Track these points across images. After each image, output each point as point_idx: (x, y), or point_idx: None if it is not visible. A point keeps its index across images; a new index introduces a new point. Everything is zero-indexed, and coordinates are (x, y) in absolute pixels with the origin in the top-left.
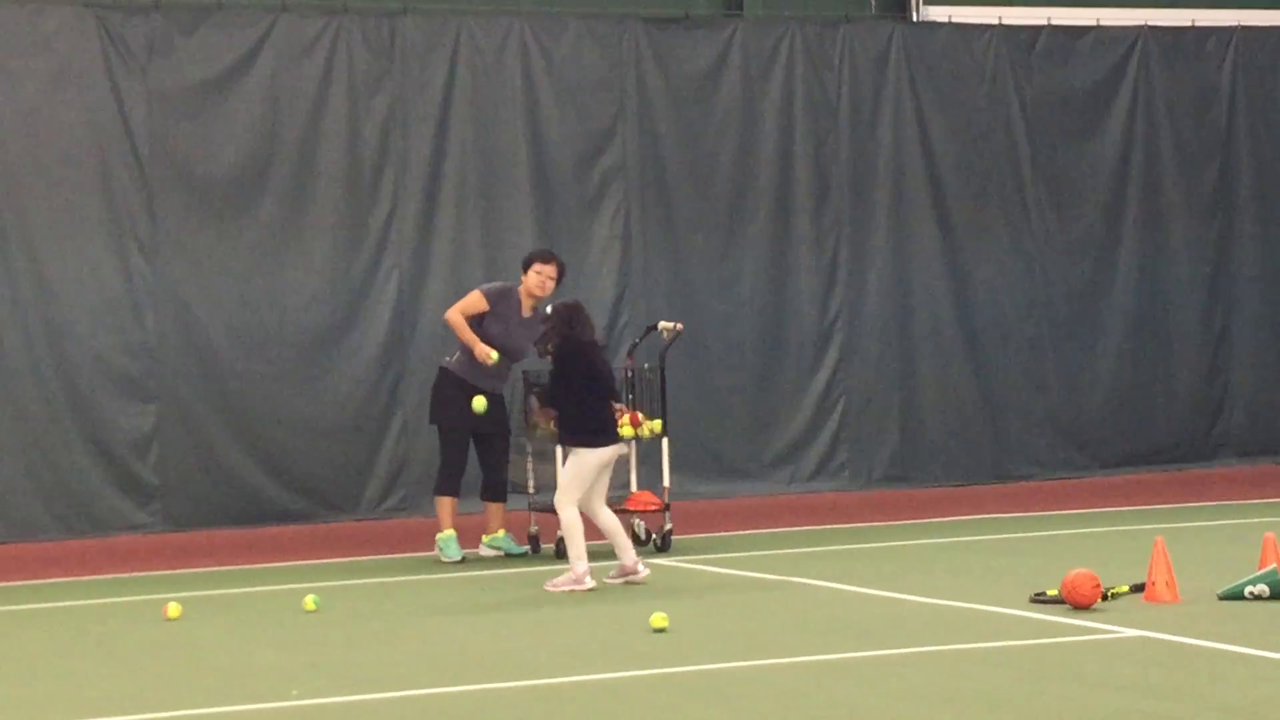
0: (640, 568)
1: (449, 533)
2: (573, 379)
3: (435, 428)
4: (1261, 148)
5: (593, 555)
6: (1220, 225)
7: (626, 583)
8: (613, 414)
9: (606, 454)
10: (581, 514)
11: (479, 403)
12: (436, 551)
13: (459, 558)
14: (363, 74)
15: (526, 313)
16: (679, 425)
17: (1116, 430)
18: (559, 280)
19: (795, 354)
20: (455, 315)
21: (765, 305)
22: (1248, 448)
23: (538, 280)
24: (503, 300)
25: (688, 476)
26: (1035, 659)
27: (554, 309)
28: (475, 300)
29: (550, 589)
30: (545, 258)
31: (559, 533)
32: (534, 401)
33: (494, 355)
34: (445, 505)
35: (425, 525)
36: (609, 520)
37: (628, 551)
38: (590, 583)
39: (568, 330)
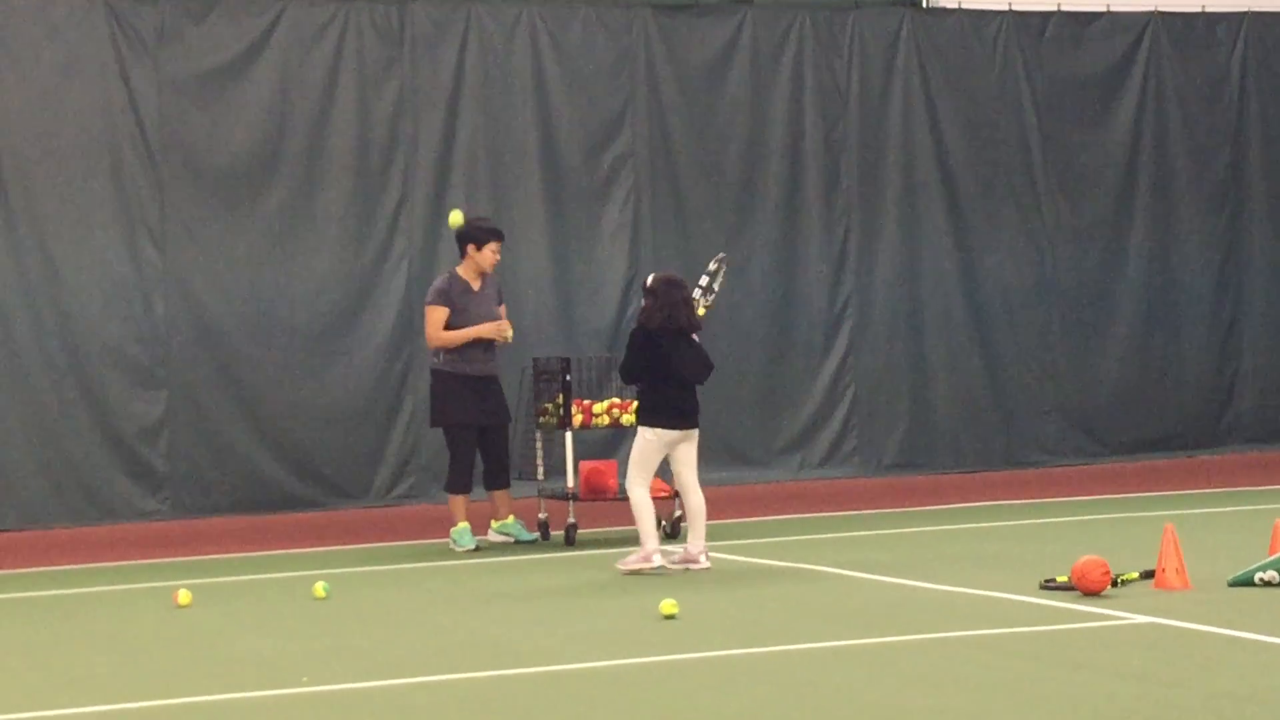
0: (702, 558)
1: (463, 525)
2: (649, 360)
3: (440, 429)
4: (1272, 134)
5: (608, 541)
6: (1230, 212)
7: (686, 569)
8: (689, 399)
9: (669, 434)
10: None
11: (455, 217)
12: (451, 544)
13: (473, 546)
14: (372, 61)
15: (477, 285)
16: None
17: (1126, 416)
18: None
19: (805, 340)
20: (437, 335)
21: (775, 292)
22: (1258, 434)
23: (493, 258)
24: (450, 292)
25: (697, 462)
26: (1045, 646)
27: (658, 285)
28: (438, 314)
29: (621, 568)
30: (499, 235)
31: (568, 519)
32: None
33: (509, 328)
34: (458, 502)
35: (435, 512)
36: (695, 502)
37: (699, 538)
38: (658, 560)
39: (664, 316)
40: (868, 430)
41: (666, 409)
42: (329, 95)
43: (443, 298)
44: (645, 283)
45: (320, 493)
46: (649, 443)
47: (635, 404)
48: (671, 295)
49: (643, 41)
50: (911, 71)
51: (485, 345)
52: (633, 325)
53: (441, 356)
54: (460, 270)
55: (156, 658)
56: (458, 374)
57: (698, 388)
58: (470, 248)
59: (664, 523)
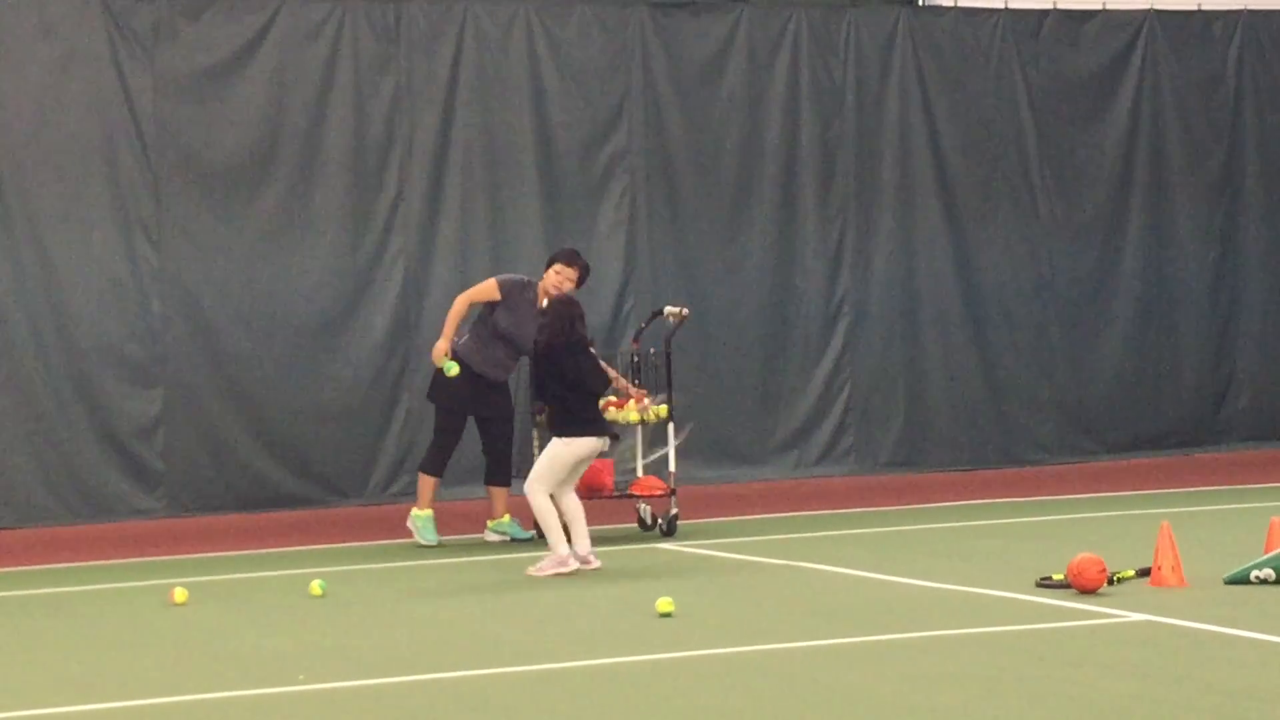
0: (592, 558)
1: (428, 512)
2: (554, 379)
3: (434, 406)
4: (1268, 131)
5: (611, 539)
6: (1227, 209)
7: (576, 570)
8: (597, 409)
9: (584, 445)
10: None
11: (451, 368)
12: (411, 528)
13: (435, 542)
14: (368, 59)
15: (542, 302)
16: (684, 410)
17: (1122, 414)
18: (580, 284)
19: (801, 338)
20: (460, 301)
21: (771, 290)
22: (1254, 432)
23: (555, 280)
24: (518, 292)
25: (693, 461)
26: (1041, 643)
27: (553, 305)
28: (488, 288)
29: (535, 574)
30: (569, 260)
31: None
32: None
33: (449, 365)
34: (428, 484)
35: None
36: (573, 505)
37: (584, 540)
38: (574, 564)
39: (570, 331)
40: (864, 428)
41: (582, 419)
42: (325, 93)
43: (504, 286)
44: (540, 306)
45: (316, 490)
46: (561, 453)
47: (606, 405)
48: (570, 311)
49: (639, 39)
50: (907, 69)
51: (510, 355)
52: (630, 325)
53: (463, 340)
54: (541, 282)
55: (152, 656)
56: (469, 365)
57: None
58: (558, 265)
59: (660, 521)
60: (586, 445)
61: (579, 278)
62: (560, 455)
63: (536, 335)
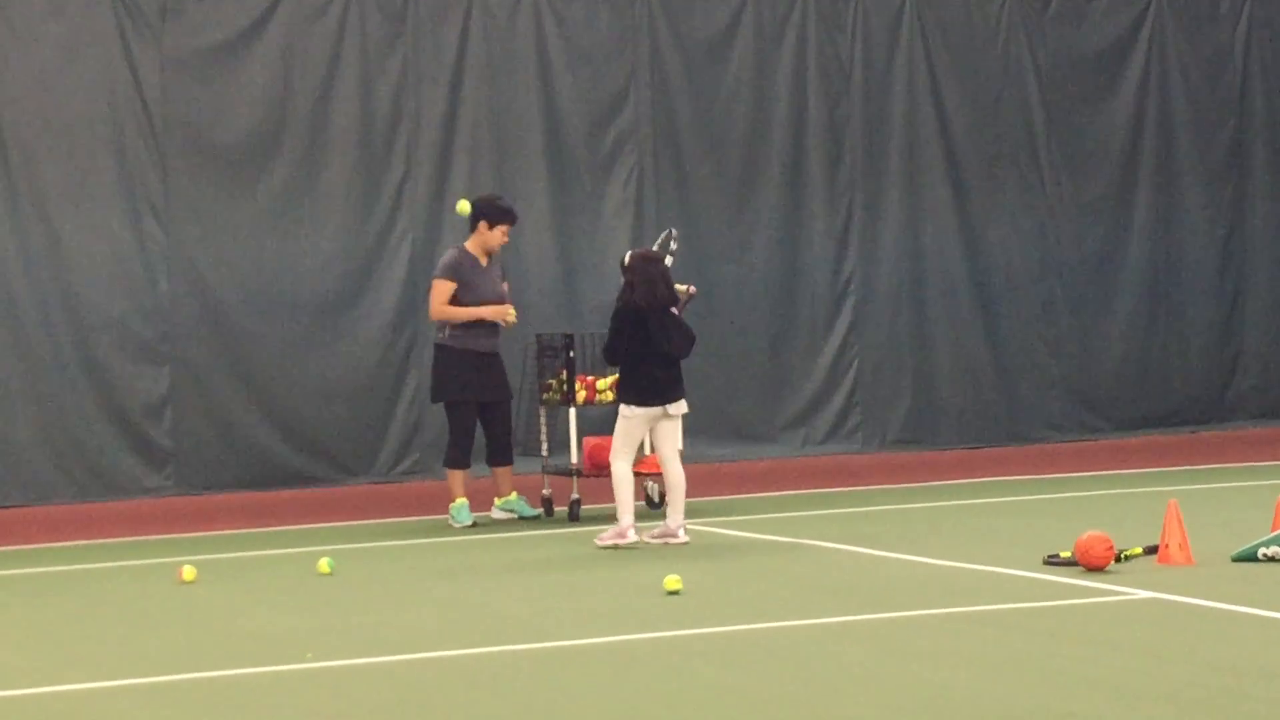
0: (681, 533)
1: (461, 500)
2: (627, 340)
3: (442, 405)
4: (1276, 110)
5: (604, 518)
6: (1234, 187)
7: (664, 544)
8: (672, 375)
9: (651, 412)
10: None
11: (463, 206)
12: (449, 519)
13: (470, 522)
14: (375, 37)
15: (484, 262)
16: (692, 388)
17: (1130, 392)
18: (512, 223)
19: (808, 317)
20: (441, 310)
21: (778, 269)
22: (1261, 410)
23: (501, 239)
24: (460, 268)
25: (701, 439)
26: (1048, 621)
27: (635, 262)
28: (445, 288)
29: (598, 543)
30: (513, 218)
31: (572, 495)
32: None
33: (512, 312)
34: (457, 477)
35: (439, 488)
36: (673, 475)
37: (678, 513)
38: (633, 536)
39: (646, 291)
40: (871, 406)
41: (647, 385)
42: (332, 72)
43: (451, 272)
44: (622, 261)
45: (324, 469)
46: (630, 419)
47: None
48: (649, 271)
49: (646, 18)
50: (915, 48)
51: (490, 322)
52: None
53: (447, 331)
54: (469, 245)
55: (161, 634)
56: (461, 349)
57: (682, 363)
58: (482, 225)
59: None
60: (649, 414)
61: (509, 220)
62: (626, 425)
63: (623, 297)
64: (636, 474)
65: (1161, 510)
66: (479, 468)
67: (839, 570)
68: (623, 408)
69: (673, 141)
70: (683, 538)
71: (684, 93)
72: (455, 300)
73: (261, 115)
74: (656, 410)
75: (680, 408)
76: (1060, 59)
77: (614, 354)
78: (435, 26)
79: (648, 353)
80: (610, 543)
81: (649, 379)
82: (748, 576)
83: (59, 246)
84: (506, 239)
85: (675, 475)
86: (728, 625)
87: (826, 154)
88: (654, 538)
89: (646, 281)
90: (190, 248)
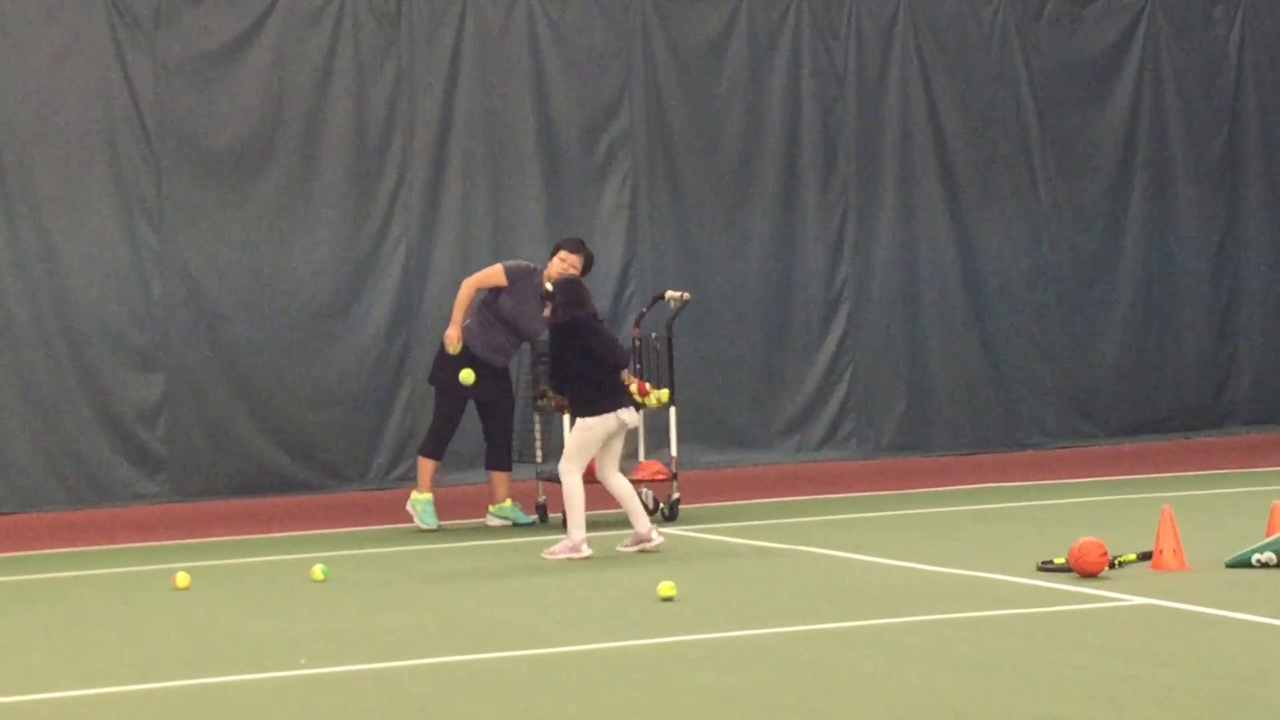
0: (655, 535)
1: (427, 495)
2: (574, 356)
3: (435, 389)
4: (1269, 116)
5: (605, 523)
6: (1228, 193)
7: (640, 550)
8: (619, 383)
9: (609, 422)
10: (589, 482)
11: (466, 375)
12: (411, 512)
13: (434, 526)
14: (369, 43)
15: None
16: (686, 394)
17: (1124, 398)
18: (584, 271)
19: (802, 322)
20: (467, 287)
21: (772, 274)
22: (1255, 415)
23: (560, 268)
24: (524, 279)
25: (695, 446)
26: (1042, 627)
27: (559, 285)
28: (494, 273)
29: (548, 557)
30: (572, 248)
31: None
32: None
33: (456, 345)
34: (428, 467)
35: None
36: (621, 487)
37: (642, 519)
38: (587, 550)
39: (581, 306)
40: (865, 412)
41: (607, 393)
42: (326, 78)
43: (510, 273)
44: (546, 289)
45: (319, 475)
46: (589, 431)
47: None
48: (578, 288)
49: (640, 24)
50: (909, 53)
51: (511, 341)
52: (632, 310)
53: (466, 324)
54: (545, 272)
55: (155, 640)
56: (472, 349)
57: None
58: (563, 251)
59: (662, 505)
60: (606, 424)
61: (584, 265)
62: (584, 436)
63: (550, 316)
64: (632, 481)
65: (1155, 516)
66: (475, 472)
67: (833, 576)
68: (579, 421)
69: (667, 148)
70: (657, 539)
71: (678, 99)
72: (497, 305)
73: (256, 121)
74: (612, 420)
75: (635, 417)
76: (1054, 65)
77: (561, 373)
78: (429, 33)
79: (593, 365)
80: (563, 556)
81: (602, 387)
82: (742, 582)
83: (53, 252)
84: (570, 270)
85: (621, 487)
86: (723, 631)
87: (820, 160)
88: (628, 547)
89: (573, 297)
90: (184, 254)
